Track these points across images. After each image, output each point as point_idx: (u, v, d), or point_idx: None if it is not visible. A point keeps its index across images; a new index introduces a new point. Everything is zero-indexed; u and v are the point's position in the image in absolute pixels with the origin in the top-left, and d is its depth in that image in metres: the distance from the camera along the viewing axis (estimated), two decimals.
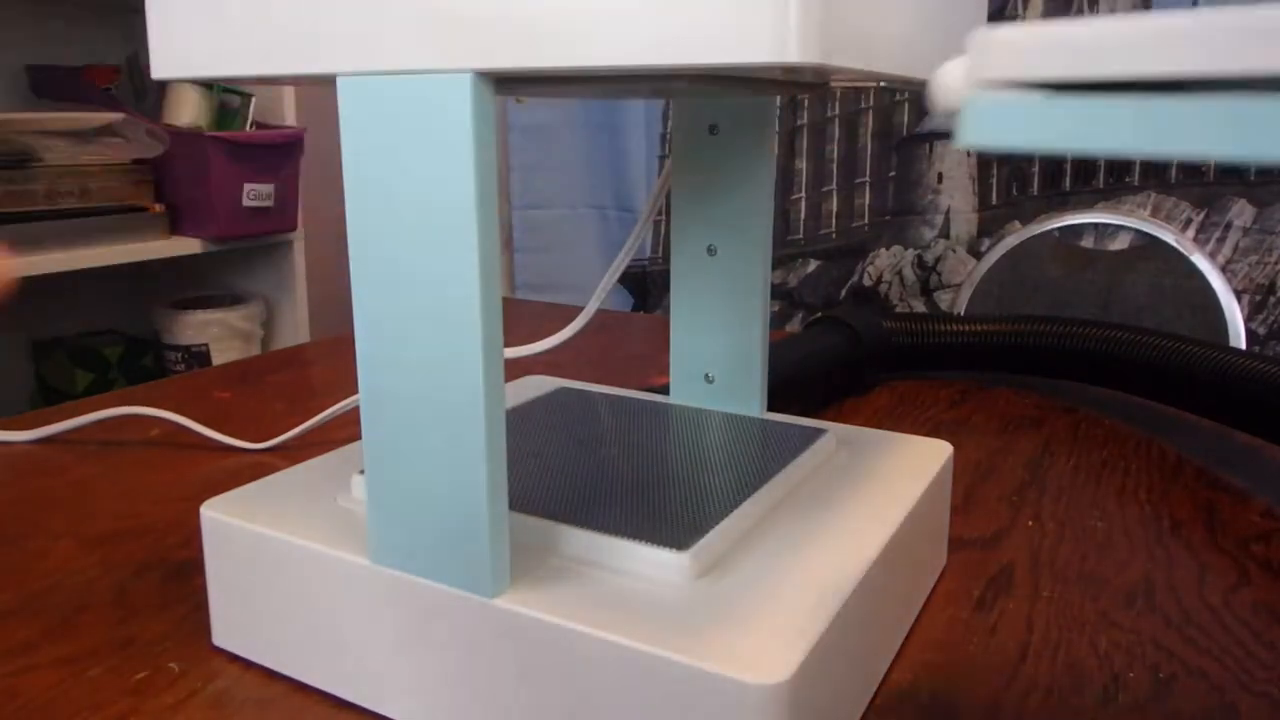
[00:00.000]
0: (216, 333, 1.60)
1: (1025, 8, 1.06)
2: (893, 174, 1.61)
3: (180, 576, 0.45)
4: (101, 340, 1.63)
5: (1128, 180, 1.29)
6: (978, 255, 1.50)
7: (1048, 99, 0.18)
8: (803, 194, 1.72)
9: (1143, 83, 0.17)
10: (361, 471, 0.39)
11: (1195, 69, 0.17)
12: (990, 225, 1.58)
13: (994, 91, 0.18)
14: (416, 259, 0.30)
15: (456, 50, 0.28)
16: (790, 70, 0.29)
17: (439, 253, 0.29)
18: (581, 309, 0.53)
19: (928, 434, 0.47)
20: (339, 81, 0.30)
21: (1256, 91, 0.16)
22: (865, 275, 1.69)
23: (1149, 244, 1.20)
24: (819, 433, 0.44)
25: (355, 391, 0.34)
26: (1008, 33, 0.18)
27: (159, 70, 0.34)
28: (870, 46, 0.28)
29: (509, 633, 0.31)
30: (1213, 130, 0.17)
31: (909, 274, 1.64)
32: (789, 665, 0.28)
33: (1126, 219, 1.25)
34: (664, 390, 0.52)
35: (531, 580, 0.33)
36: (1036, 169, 1.13)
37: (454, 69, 0.28)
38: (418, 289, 0.30)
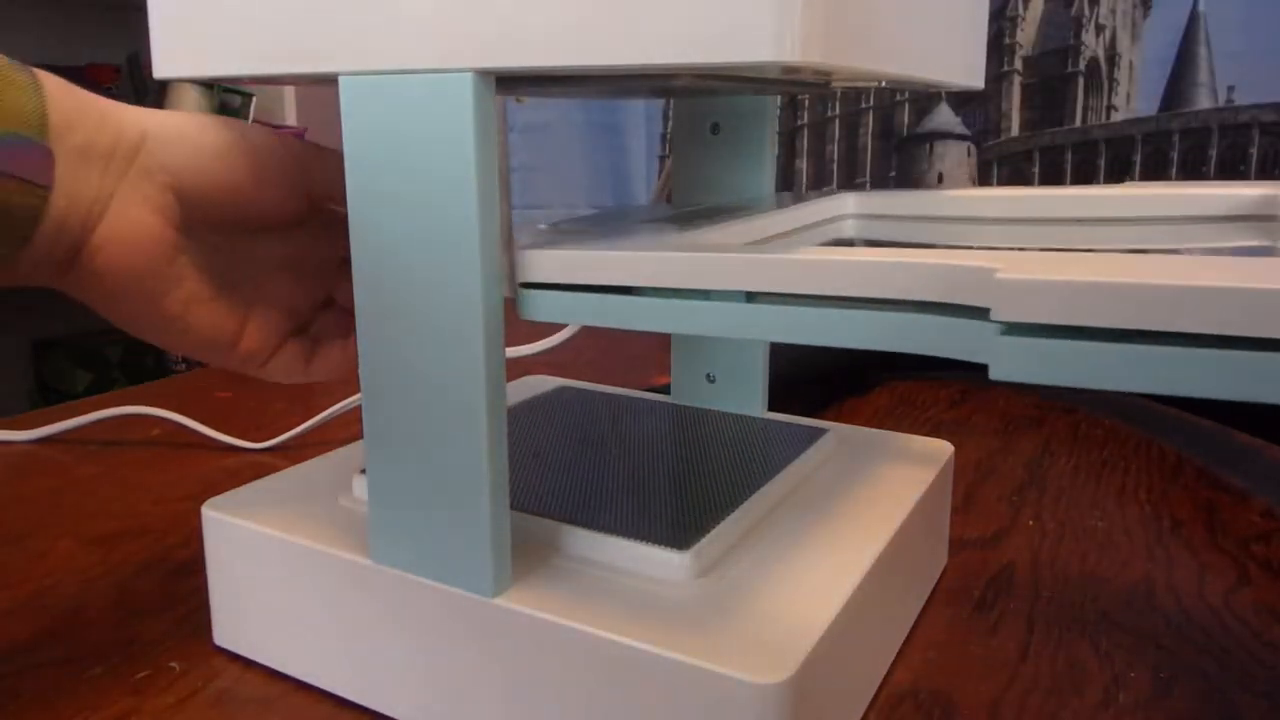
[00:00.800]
0: None
1: (1025, 7, 1.06)
2: (893, 174, 1.61)
3: (181, 576, 0.45)
4: (101, 340, 1.63)
5: (1128, 181, 1.29)
6: None
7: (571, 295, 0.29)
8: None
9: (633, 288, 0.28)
10: (362, 471, 0.39)
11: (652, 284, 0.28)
12: None
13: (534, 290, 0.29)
14: (418, 258, 0.30)
15: (457, 50, 0.28)
16: (791, 69, 0.29)
17: (440, 252, 0.29)
18: None
19: (928, 434, 0.47)
20: (341, 81, 0.30)
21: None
22: None
23: None
24: (820, 432, 0.44)
25: (355, 391, 0.34)
26: (549, 255, 0.29)
27: (161, 70, 0.34)
28: (871, 46, 0.28)
29: (510, 632, 0.31)
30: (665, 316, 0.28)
31: None
32: (791, 664, 0.28)
33: None
34: (665, 390, 0.52)
35: (532, 580, 0.33)
36: (1037, 169, 1.13)
37: (455, 68, 0.28)
38: (419, 288, 0.30)
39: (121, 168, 0.31)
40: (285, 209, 0.35)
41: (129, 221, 0.31)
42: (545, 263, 0.30)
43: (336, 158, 0.33)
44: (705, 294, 0.27)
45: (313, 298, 0.38)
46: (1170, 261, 0.21)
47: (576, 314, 0.30)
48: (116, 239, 0.31)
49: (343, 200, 0.31)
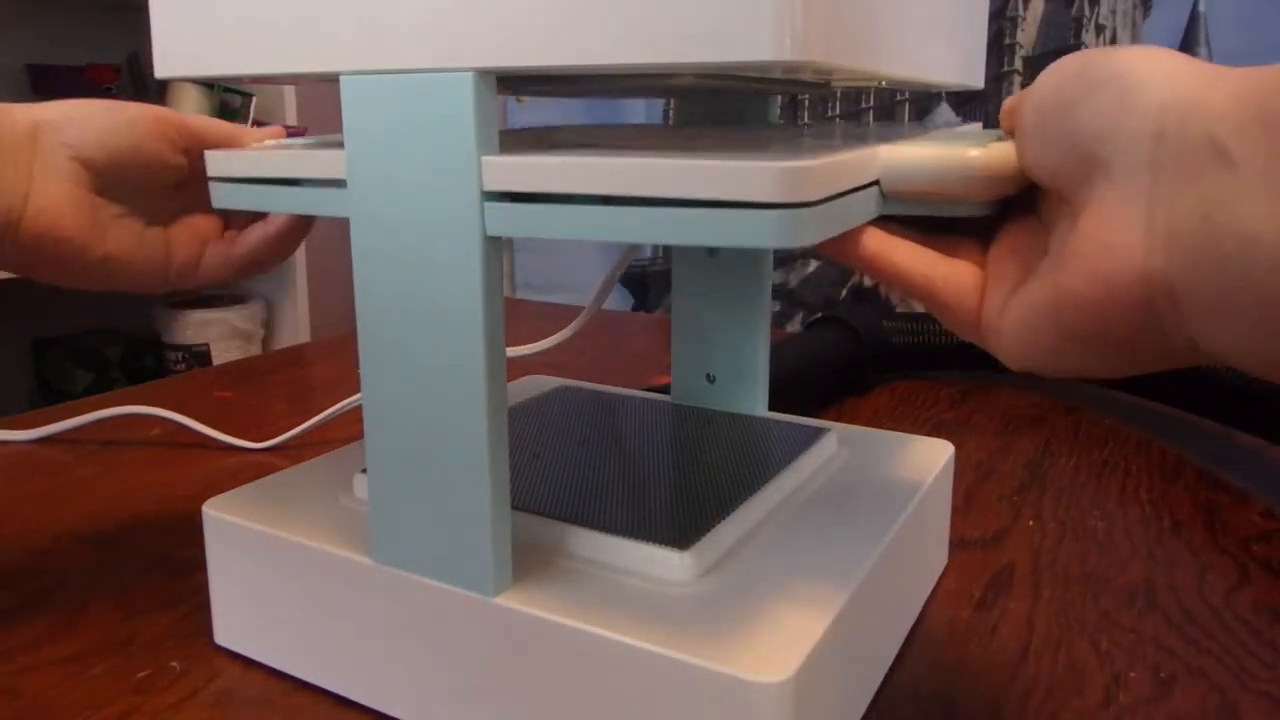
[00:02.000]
0: (217, 332, 1.60)
1: (1025, 7, 1.06)
2: None
3: (181, 575, 0.45)
4: (101, 340, 1.63)
5: None
6: None
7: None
8: None
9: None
10: (363, 470, 0.39)
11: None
12: None
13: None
14: (418, 256, 0.30)
15: (458, 49, 0.28)
16: (791, 69, 0.29)
17: (440, 250, 0.29)
18: (582, 309, 0.53)
19: (928, 434, 0.47)
20: (342, 80, 0.30)
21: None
22: (865, 275, 1.68)
23: None
24: (820, 432, 0.44)
25: (356, 391, 0.34)
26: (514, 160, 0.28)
27: (162, 70, 0.34)
28: (871, 46, 0.28)
29: (510, 632, 0.31)
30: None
31: None
32: (791, 663, 0.28)
33: None
34: (665, 390, 0.52)
35: (533, 579, 0.33)
36: None
37: (455, 68, 0.28)
38: (420, 288, 0.30)
39: (28, 151, 0.37)
40: (168, 167, 0.40)
41: (53, 191, 0.37)
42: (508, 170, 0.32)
43: (199, 122, 0.41)
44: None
45: (219, 217, 0.43)
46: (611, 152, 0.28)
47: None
48: (47, 208, 0.37)
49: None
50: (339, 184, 0.32)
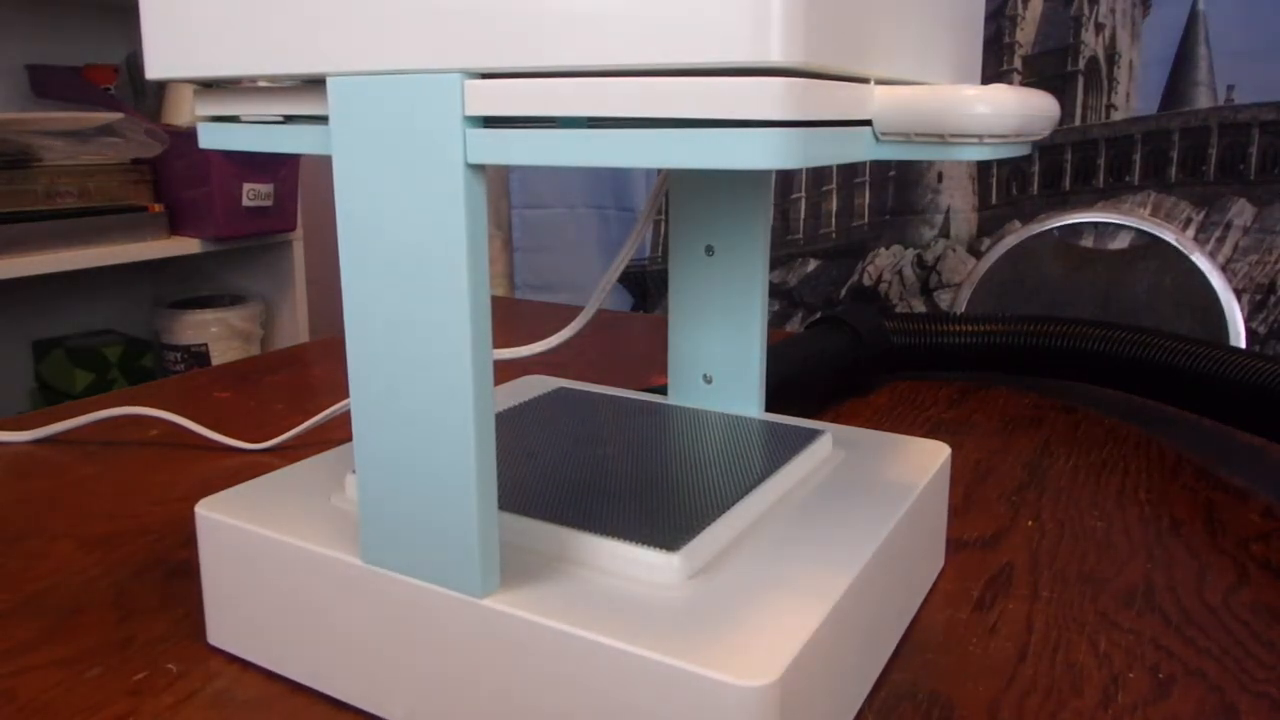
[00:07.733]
0: (216, 333, 1.60)
1: (1024, 6, 1.06)
2: (892, 173, 1.61)
3: (179, 577, 0.45)
4: (101, 340, 1.63)
5: (1127, 179, 1.29)
6: (977, 255, 1.50)
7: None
8: (802, 193, 1.71)
9: None
10: (354, 471, 0.39)
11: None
12: (990, 224, 1.58)
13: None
14: (405, 258, 0.30)
15: (445, 50, 0.28)
16: (774, 73, 0.28)
17: (428, 254, 0.29)
18: (581, 309, 0.53)
19: (927, 434, 0.47)
20: (328, 82, 0.30)
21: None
22: (865, 275, 1.69)
23: (1149, 243, 1.20)
24: (816, 433, 0.44)
25: None
26: None
27: (152, 70, 0.34)
28: (858, 47, 0.28)
29: (498, 633, 0.31)
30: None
31: (909, 273, 1.64)
32: (777, 666, 0.28)
33: (1126, 218, 1.25)
34: (663, 390, 0.51)
35: (522, 580, 0.32)
36: (1036, 169, 1.13)
37: (443, 69, 0.28)
38: (407, 290, 0.30)
39: None
40: None
41: None
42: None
43: None
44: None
45: None
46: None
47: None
48: None
49: None
50: (322, 120, 0.31)
